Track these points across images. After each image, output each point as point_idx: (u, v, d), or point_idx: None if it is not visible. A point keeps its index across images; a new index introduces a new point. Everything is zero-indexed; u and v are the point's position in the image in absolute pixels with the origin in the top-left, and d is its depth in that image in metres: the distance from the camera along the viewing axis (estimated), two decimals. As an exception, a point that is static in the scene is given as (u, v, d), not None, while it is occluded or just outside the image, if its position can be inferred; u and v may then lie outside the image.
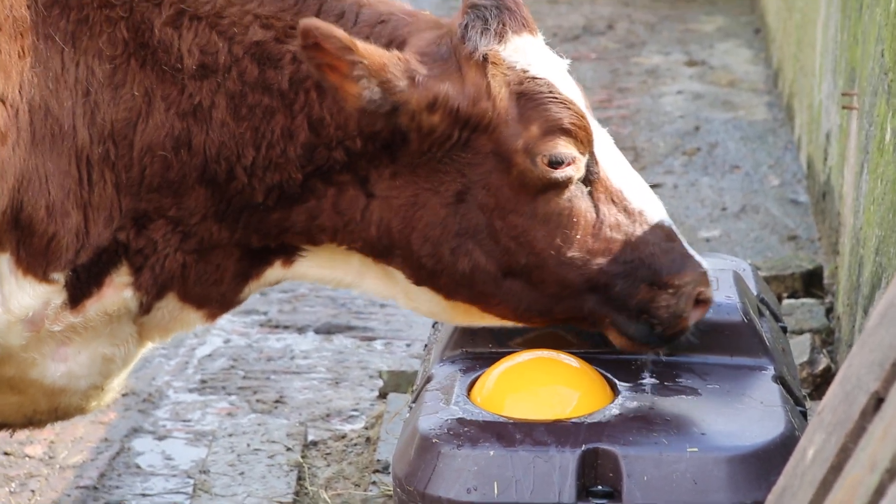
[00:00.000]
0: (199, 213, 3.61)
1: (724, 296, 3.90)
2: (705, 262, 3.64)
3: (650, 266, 3.57)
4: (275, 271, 3.73)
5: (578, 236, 3.54)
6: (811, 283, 6.29)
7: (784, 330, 4.28)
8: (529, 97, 3.51)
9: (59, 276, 3.57)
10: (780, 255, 6.86)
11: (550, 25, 11.10)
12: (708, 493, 3.39)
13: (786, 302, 6.09)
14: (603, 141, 3.62)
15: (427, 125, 3.50)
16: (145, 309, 3.71)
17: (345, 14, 3.60)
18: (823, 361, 5.43)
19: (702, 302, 3.62)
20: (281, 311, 6.71)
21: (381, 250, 3.62)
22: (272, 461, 5.08)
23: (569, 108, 3.52)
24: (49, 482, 5.29)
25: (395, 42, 3.57)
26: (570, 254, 3.54)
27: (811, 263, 6.37)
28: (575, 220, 3.54)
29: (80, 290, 3.62)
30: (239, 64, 3.55)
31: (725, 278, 4.03)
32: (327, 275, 3.72)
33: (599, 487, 3.45)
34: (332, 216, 3.60)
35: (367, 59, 3.43)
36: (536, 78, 3.52)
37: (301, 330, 6.55)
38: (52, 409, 3.80)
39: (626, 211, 3.57)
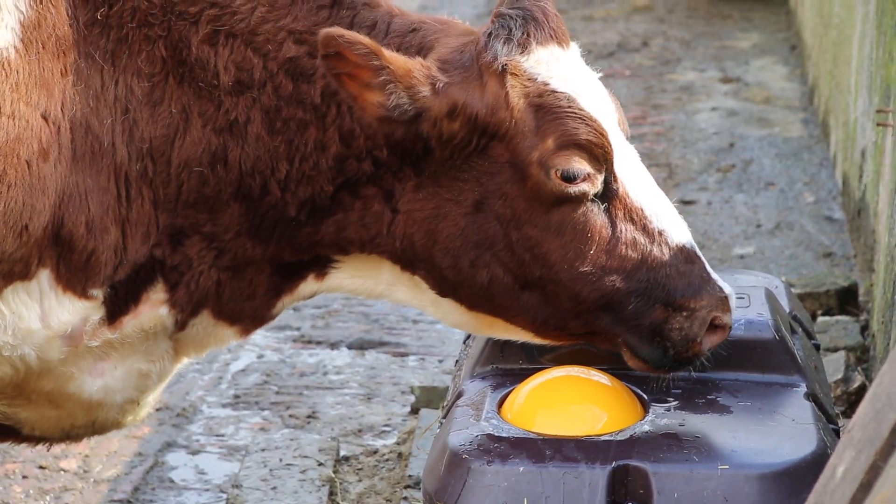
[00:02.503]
0: (233, 228, 3.64)
1: (756, 313, 3.89)
2: (728, 288, 3.59)
3: (665, 287, 3.54)
4: (308, 285, 3.75)
5: (592, 252, 3.53)
6: (846, 300, 6.26)
7: (817, 347, 4.26)
8: (548, 110, 3.51)
9: (98, 293, 3.61)
10: (815, 273, 6.82)
11: (585, 42, 11.10)
12: (738, 510, 3.38)
13: (820, 319, 6.06)
14: (627, 158, 3.60)
15: (448, 132, 3.51)
16: (180, 325, 3.74)
17: (377, 25, 3.63)
18: (858, 379, 5.40)
19: (718, 327, 3.58)
20: (314, 326, 6.73)
21: (407, 262, 3.64)
22: (304, 476, 5.09)
23: (587, 124, 3.51)
24: (83, 496, 5.32)
25: (424, 49, 3.59)
26: (582, 268, 3.53)
27: (846, 281, 6.33)
28: (589, 235, 3.53)
29: (118, 306, 3.65)
30: (274, 79, 3.58)
31: (757, 295, 4.02)
32: (360, 285, 3.74)
33: (630, 504, 3.44)
34: (359, 229, 3.62)
35: (392, 65, 3.46)
36: (557, 91, 3.52)
37: (334, 345, 6.56)
38: (89, 423, 3.83)
39: (645, 230, 3.55)
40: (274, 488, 5.01)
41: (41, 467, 5.45)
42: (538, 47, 3.53)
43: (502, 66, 3.51)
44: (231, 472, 5.45)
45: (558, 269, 3.54)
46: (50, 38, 3.51)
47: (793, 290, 4.95)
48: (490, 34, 3.53)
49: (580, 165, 3.50)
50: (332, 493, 5.00)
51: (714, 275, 3.59)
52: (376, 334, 6.61)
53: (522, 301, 3.60)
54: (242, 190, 3.61)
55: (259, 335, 6.62)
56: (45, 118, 3.48)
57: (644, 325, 3.56)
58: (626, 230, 3.54)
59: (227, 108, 3.58)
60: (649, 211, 3.55)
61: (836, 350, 5.74)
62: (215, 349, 3.89)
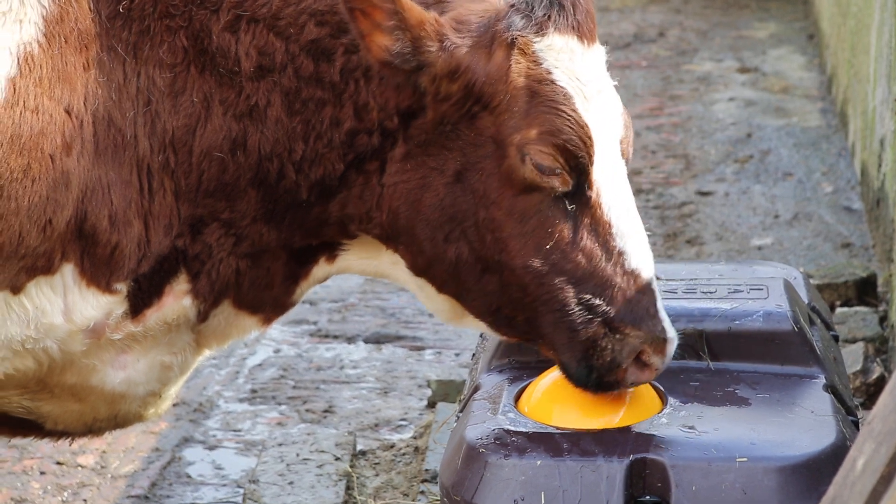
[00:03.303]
0: (249, 214, 3.65)
1: (775, 304, 3.87)
2: (673, 333, 3.53)
3: (608, 306, 3.50)
4: (321, 268, 3.75)
5: (548, 247, 3.49)
6: (865, 291, 6.23)
7: (836, 338, 4.24)
8: (542, 99, 3.47)
9: (122, 287, 3.62)
10: (833, 263, 6.79)
11: (601, 33, 11.03)
12: (757, 502, 3.36)
13: (839, 310, 6.03)
14: (612, 172, 3.53)
15: (445, 92, 3.50)
16: (203, 316, 3.75)
17: None
18: (877, 370, 5.37)
19: (644, 364, 3.52)
20: (331, 320, 6.72)
21: (390, 236, 3.63)
22: (321, 471, 5.08)
23: (572, 127, 3.46)
24: (101, 491, 5.32)
25: (444, 10, 3.57)
26: (535, 261, 3.50)
27: (865, 271, 6.30)
28: (549, 230, 3.49)
29: (141, 299, 3.66)
30: (295, 61, 3.60)
31: (776, 287, 3.99)
32: (367, 265, 3.74)
33: (648, 497, 3.43)
34: (357, 204, 3.62)
35: (406, 13, 3.45)
36: (556, 83, 3.48)
37: (350, 340, 6.56)
38: (111, 416, 3.84)
39: (606, 245, 3.50)
40: (291, 483, 5.01)
41: (59, 463, 5.46)
42: (555, 34, 3.49)
43: (512, 39, 3.48)
44: (248, 467, 5.45)
45: (514, 255, 3.51)
46: (72, 32, 3.52)
47: (811, 280, 4.93)
48: (513, 5, 3.50)
49: (550, 164, 3.46)
50: (349, 488, 4.99)
51: (664, 316, 3.54)
52: (393, 328, 6.61)
53: (482, 284, 3.57)
54: (260, 175, 3.62)
55: (276, 330, 6.62)
56: (68, 112, 3.50)
57: (580, 337, 3.52)
58: (586, 238, 3.50)
59: (247, 93, 3.59)
60: (616, 229, 3.51)
61: (854, 341, 5.71)
62: (237, 340, 3.90)
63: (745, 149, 8.62)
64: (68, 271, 3.57)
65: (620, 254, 3.51)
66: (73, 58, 3.52)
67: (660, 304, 3.54)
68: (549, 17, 3.49)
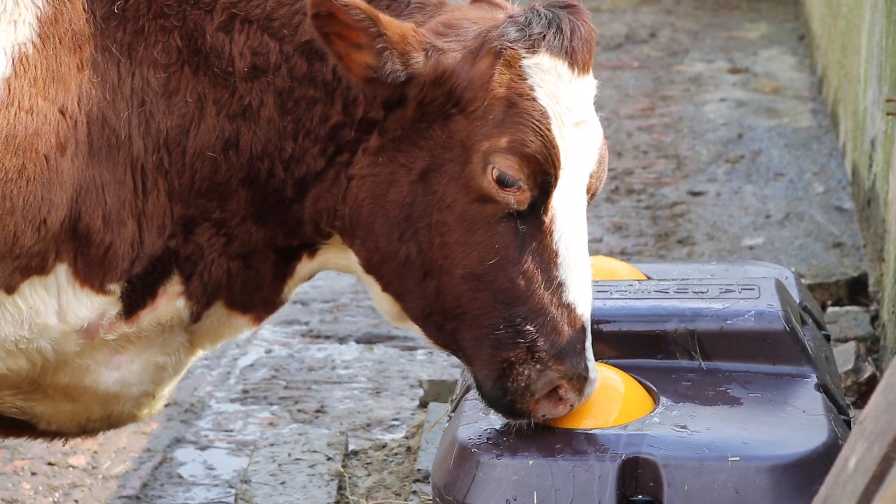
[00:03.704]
0: (239, 214, 3.65)
1: (766, 304, 3.87)
2: (595, 375, 3.50)
3: (535, 333, 3.47)
4: (304, 265, 3.76)
5: (489, 262, 3.47)
6: (856, 290, 6.24)
7: (827, 338, 4.25)
8: (518, 112, 3.44)
9: (115, 287, 3.62)
10: (824, 263, 6.80)
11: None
12: (749, 502, 3.37)
13: (830, 310, 6.04)
14: (572, 204, 3.49)
15: (430, 96, 3.49)
16: (195, 317, 3.75)
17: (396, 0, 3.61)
18: (868, 370, 5.38)
19: (560, 398, 3.49)
20: (322, 321, 6.72)
21: (348, 231, 3.62)
22: (313, 471, 5.08)
23: (544, 145, 3.43)
24: (92, 492, 5.32)
25: (440, 12, 3.56)
26: (475, 272, 3.48)
27: (856, 271, 6.31)
28: (496, 246, 3.47)
29: (135, 300, 3.66)
30: (289, 61, 3.60)
31: (767, 286, 4.00)
32: (343, 262, 3.74)
33: (640, 497, 3.43)
34: (327, 198, 3.62)
35: (389, 32, 3.43)
36: (536, 101, 3.44)
37: (342, 340, 6.56)
38: (105, 416, 3.84)
39: (548, 273, 3.47)
40: (283, 483, 5.01)
41: (50, 464, 5.45)
42: (545, 54, 3.46)
43: (500, 48, 3.45)
44: (240, 468, 5.45)
45: (456, 263, 3.49)
46: (67, 32, 3.53)
47: (803, 280, 4.93)
48: (511, 17, 3.50)
49: (515, 175, 3.43)
50: (341, 488, 4.99)
51: (590, 356, 3.50)
52: (384, 328, 6.60)
53: (421, 287, 3.55)
54: (251, 175, 3.62)
55: (267, 330, 6.62)
56: (62, 113, 3.50)
57: (499, 356, 3.49)
58: (529, 262, 3.47)
59: (241, 93, 3.59)
60: (562, 260, 3.47)
61: (846, 340, 5.72)
62: (230, 339, 3.90)
63: (736, 149, 8.63)
64: (62, 271, 3.57)
65: (560, 285, 3.47)
66: (67, 58, 3.52)
67: (588, 344, 3.50)
68: (545, 36, 3.45)
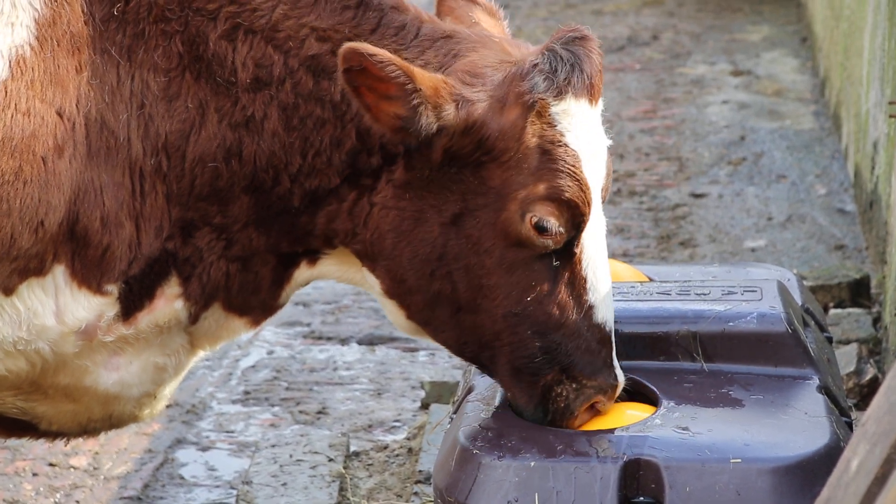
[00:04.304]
0: (241, 220, 3.65)
1: (769, 306, 3.87)
2: (622, 377, 3.63)
3: (571, 356, 3.58)
4: (302, 272, 3.76)
5: (528, 299, 3.55)
6: (858, 292, 6.23)
7: (829, 340, 4.24)
8: (553, 159, 3.50)
9: (113, 288, 3.62)
10: (826, 265, 6.80)
11: (595, 35, 11.07)
12: (751, 504, 3.36)
13: (832, 312, 6.04)
14: (597, 227, 3.60)
15: (458, 145, 3.51)
16: (193, 319, 3.75)
17: (405, 27, 3.61)
18: (870, 371, 5.37)
19: (596, 410, 3.62)
20: (324, 322, 6.72)
21: (370, 256, 3.64)
22: (314, 472, 5.08)
23: (581, 189, 3.51)
24: (94, 493, 5.31)
25: (456, 55, 3.58)
26: (514, 310, 3.56)
27: (858, 273, 6.31)
28: (533, 283, 3.55)
29: (133, 302, 3.66)
30: (293, 76, 3.58)
31: (769, 288, 3.99)
32: (344, 273, 3.76)
33: (641, 498, 3.43)
34: (346, 220, 3.63)
35: (423, 85, 3.45)
36: (568, 146, 3.51)
37: (344, 341, 6.55)
38: (105, 416, 3.84)
39: (579, 299, 3.57)
40: (284, 484, 5.00)
41: (51, 465, 5.45)
42: (571, 98, 3.51)
43: (532, 101, 3.49)
44: (241, 469, 5.44)
45: (496, 303, 3.56)
46: (65, 35, 3.52)
47: (805, 282, 4.92)
48: (535, 65, 3.50)
49: (555, 222, 3.50)
50: (342, 489, 4.99)
51: (616, 363, 3.63)
52: (386, 329, 6.60)
53: (456, 321, 3.62)
54: (255, 183, 3.62)
55: (269, 331, 6.61)
56: (60, 115, 3.49)
57: (539, 383, 3.59)
58: (563, 292, 3.56)
59: (244, 104, 3.58)
60: (590, 283, 3.57)
61: (848, 342, 5.71)
62: (228, 341, 3.90)
63: (738, 151, 8.62)
64: (59, 272, 3.57)
65: (590, 307, 3.57)
66: (65, 60, 3.51)
67: (614, 353, 3.62)
68: (570, 81, 3.51)
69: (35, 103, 3.46)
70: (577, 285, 3.56)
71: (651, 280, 4.28)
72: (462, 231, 3.55)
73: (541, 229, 3.50)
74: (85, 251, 3.56)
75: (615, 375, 3.61)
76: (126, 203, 3.57)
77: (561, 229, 3.50)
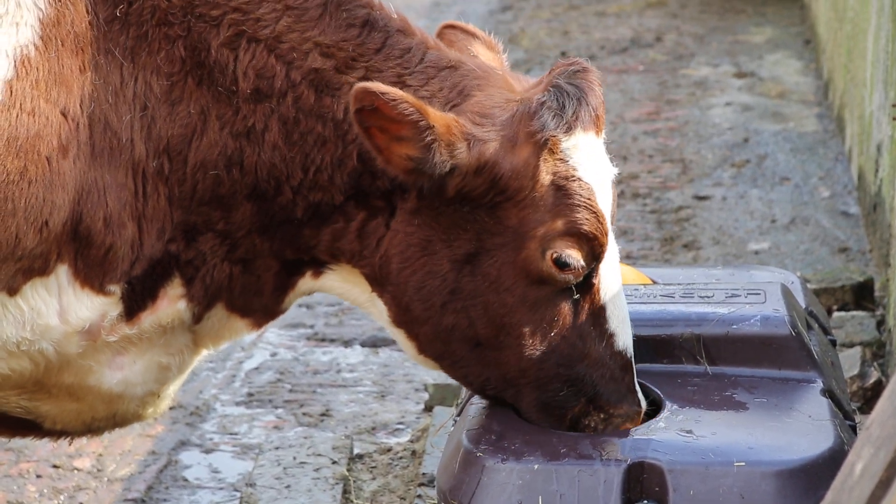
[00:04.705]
0: (245, 227, 3.65)
1: (772, 309, 3.87)
2: (644, 402, 3.64)
3: (596, 386, 3.59)
4: (306, 282, 3.75)
5: (551, 334, 3.56)
6: (862, 295, 6.23)
7: (833, 343, 4.24)
8: (568, 194, 3.51)
9: (116, 289, 3.62)
10: (830, 268, 6.79)
11: (598, 38, 11.07)
12: (755, 507, 3.36)
13: (836, 314, 6.03)
14: (612, 256, 3.61)
15: (470, 185, 3.51)
16: (197, 318, 3.76)
17: (411, 51, 3.60)
18: (874, 375, 5.37)
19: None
20: (327, 324, 6.72)
21: (378, 281, 3.64)
22: (318, 474, 5.08)
23: (598, 221, 3.52)
24: (97, 495, 5.32)
25: (463, 93, 3.57)
26: (538, 346, 3.56)
27: (862, 276, 6.30)
28: (555, 318, 3.56)
29: (136, 302, 3.66)
30: (295, 90, 3.57)
31: (773, 291, 3.99)
32: (347, 291, 3.75)
33: (645, 501, 3.43)
34: (353, 241, 3.62)
35: (436, 123, 3.44)
36: (581, 180, 3.52)
37: (347, 343, 6.55)
38: (109, 415, 3.85)
39: (600, 329, 3.58)
40: (288, 487, 5.00)
41: (55, 466, 5.45)
42: (580, 132, 3.53)
43: (544, 140, 3.50)
44: (245, 471, 5.44)
45: (519, 339, 3.56)
46: (69, 35, 3.52)
47: (808, 285, 4.92)
48: (543, 103, 3.51)
49: (576, 255, 3.51)
50: (345, 492, 4.99)
51: (637, 388, 3.64)
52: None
53: (474, 355, 3.62)
54: (258, 191, 3.62)
55: (272, 333, 6.62)
56: (64, 115, 3.49)
57: (566, 416, 3.61)
58: (585, 324, 3.58)
59: (244, 114, 3.57)
60: (609, 312, 3.59)
61: (851, 345, 5.71)
62: (231, 341, 3.90)
63: (741, 153, 8.62)
64: (63, 272, 3.58)
65: (611, 335, 3.59)
66: (69, 60, 3.51)
67: (635, 378, 3.63)
68: (578, 116, 3.52)
69: (40, 103, 3.47)
70: (598, 315, 3.57)
71: (654, 282, 4.28)
72: (478, 269, 3.54)
73: (562, 265, 3.50)
74: (88, 251, 3.57)
75: (638, 401, 3.62)
76: (129, 204, 3.57)
77: (582, 262, 3.51)
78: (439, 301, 3.57)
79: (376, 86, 3.42)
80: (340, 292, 3.75)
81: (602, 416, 3.59)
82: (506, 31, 10.98)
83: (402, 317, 3.63)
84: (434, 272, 3.55)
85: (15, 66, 3.46)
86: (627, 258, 7.19)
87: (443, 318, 3.58)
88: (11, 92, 3.45)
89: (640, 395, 3.63)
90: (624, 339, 3.60)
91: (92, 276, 3.59)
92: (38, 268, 3.54)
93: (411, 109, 3.42)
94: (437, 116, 3.46)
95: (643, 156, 8.70)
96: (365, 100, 3.40)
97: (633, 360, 3.62)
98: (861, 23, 7.63)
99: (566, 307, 3.56)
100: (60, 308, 3.59)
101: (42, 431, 3.88)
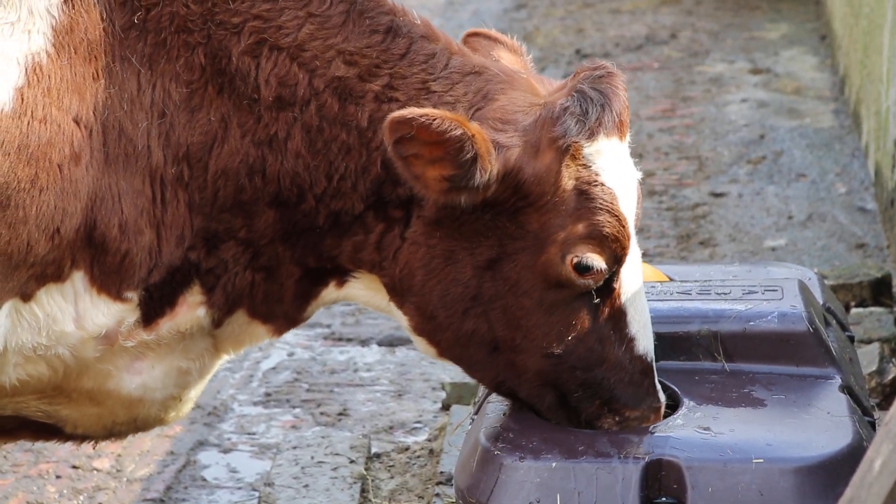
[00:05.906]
0: (268, 235, 3.64)
1: (790, 305, 3.86)
2: (663, 398, 3.62)
3: (613, 390, 3.58)
4: (330, 292, 3.75)
5: (570, 337, 3.55)
6: (880, 291, 6.21)
7: (851, 339, 4.23)
8: (590, 198, 3.49)
9: (133, 295, 3.61)
10: (847, 264, 6.78)
11: (612, 36, 11.06)
12: (774, 504, 3.35)
13: (854, 311, 6.02)
14: (633, 260, 3.60)
15: (493, 192, 3.50)
16: (217, 323, 3.75)
17: (435, 56, 3.59)
18: (893, 371, 5.36)
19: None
20: (344, 323, 6.72)
21: (399, 292, 3.63)
22: (336, 474, 5.08)
23: (620, 225, 3.51)
24: (116, 495, 5.33)
25: (487, 98, 3.56)
26: (556, 349, 3.56)
27: (879, 272, 6.28)
28: (574, 322, 3.54)
29: (154, 309, 3.66)
30: (318, 98, 3.55)
31: (790, 288, 3.98)
32: (371, 299, 3.74)
33: (664, 499, 3.42)
34: (373, 253, 3.62)
35: (476, 133, 3.43)
36: (604, 185, 3.51)
37: (364, 342, 6.56)
38: (130, 419, 3.85)
39: (620, 333, 3.57)
40: (306, 486, 5.01)
41: (74, 467, 5.47)
42: (603, 137, 3.51)
43: (566, 146, 3.48)
44: (263, 471, 5.45)
45: (537, 343, 3.56)
46: (82, 42, 3.51)
47: (826, 281, 4.91)
48: (566, 109, 3.49)
49: (597, 259, 3.50)
50: (363, 491, 4.99)
51: (658, 387, 3.61)
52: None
53: (492, 358, 3.62)
54: (280, 199, 3.61)
55: (290, 333, 6.59)
56: (76, 122, 3.48)
57: (581, 416, 3.60)
58: (604, 328, 3.56)
59: (266, 122, 3.56)
60: (630, 316, 3.58)
61: (870, 342, 5.69)
62: (252, 346, 3.90)
63: (757, 150, 8.60)
64: (78, 279, 3.57)
65: (632, 340, 3.57)
66: (82, 68, 3.50)
67: (656, 380, 3.61)
68: (601, 122, 3.50)
69: (52, 111, 3.46)
70: (618, 319, 3.56)
71: (671, 279, 4.28)
72: (499, 274, 3.54)
73: (581, 269, 3.49)
74: (104, 257, 3.56)
75: (658, 398, 3.61)
76: (146, 210, 3.56)
77: (603, 265, 3.50)
78: (462, 308, 3.57)
79: (410, 112, 3.39)
80: (365, 300, 3.74)
81: (617, 419, 3.58)
82: (520, 30, 10.97)
83: (426, 325, 3.63)
84: (458, 280, 3.56)
85: (26, 73, 3.45)
86: (644, 256, 7.15)
87: (464, 324, 3.58)
88: (23, 100, 3.44)
89: (660, 392, 3.62)
90: (645, 343, 3.58)
91: (108, 282, 3.58)
92: (51, 274, 3.54)
93: (453, 124, 3.40)
94: (474, 127, 3.45)
95: (659, 153, 8.69)
96: (401, 129, 3.38)
97: (653, 363, 3.60)
98: (877, 18, 7.60)
99: (585, 311, 3.54)
100: (76, 314, 3.59)
101: (64, 436, 3.89)
